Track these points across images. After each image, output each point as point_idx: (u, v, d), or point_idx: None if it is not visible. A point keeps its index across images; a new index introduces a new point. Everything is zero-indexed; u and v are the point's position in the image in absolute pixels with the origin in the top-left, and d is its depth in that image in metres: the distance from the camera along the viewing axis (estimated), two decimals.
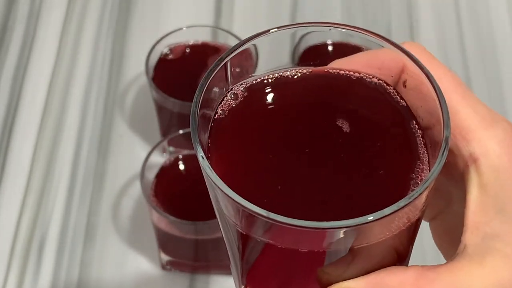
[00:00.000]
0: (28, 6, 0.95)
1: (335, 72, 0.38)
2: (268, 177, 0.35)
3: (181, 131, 0.74)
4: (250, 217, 0.33)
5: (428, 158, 0.35)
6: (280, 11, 0.95)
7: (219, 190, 0.33)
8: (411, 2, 0.96)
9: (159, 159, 0.74)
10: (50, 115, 0.86)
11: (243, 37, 0.87)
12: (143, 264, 0.76)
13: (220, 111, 0.37)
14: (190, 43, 0.81)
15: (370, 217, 0.31)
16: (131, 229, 0.78)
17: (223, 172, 0.33)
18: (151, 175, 0.72)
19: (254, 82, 0.38)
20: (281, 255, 0.35)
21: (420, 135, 0.36)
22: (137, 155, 0.81)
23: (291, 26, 0.39)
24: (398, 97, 0.37)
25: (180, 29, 0.81)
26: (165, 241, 0.73)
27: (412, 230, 0.36)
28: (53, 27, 0.93)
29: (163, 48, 0.80)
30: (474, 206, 0.36)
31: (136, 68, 0.89)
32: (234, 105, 0.38)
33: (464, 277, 0.34)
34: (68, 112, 0.86)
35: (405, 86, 0.37)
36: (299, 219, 0.31)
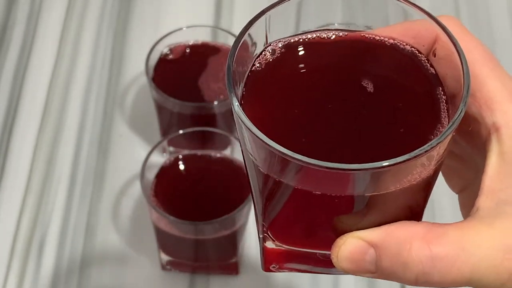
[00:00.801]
0: (28, 6, 0.95)
1: (370, 37, 0.41)
2: (296, 124, 0.37)
3: (181, 131, 0.74)
4: (273, 157, 0.34)
5: (449, 123, 0.36)
6: None
7: (248, 131, 0.35)
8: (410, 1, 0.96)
9: (159, 159, 0.74)
10: (50, 115, 0.86)
11: None
12: (143, 264, 0.76)
13: (258, 64, 0.40)
14: (190, 43, 0.81)
15: (385, 163, 0.33)
16: (131, 229, 0.78)
17: (254, 117, 0.35)
18: (151, 175, 0.72)
19: (292, 40, 0.41)
20: (301, 198, 0.37)
21: (444, 101, 0.38)
22: (137, 155, 0.82)
23: None
24: (428, 65, 0.39)
25: (180, 29, 0.81)
26: (165, 241, 0.73)
27: (425, 187, 0.37)
28: (53, 27, 0.93)
29: (163, 48, 0.80)
30: (491, 172, 0.37)
31: (136, 68, 0.89)
32: (271, 60, 0.40)
33: (472, 236, 0.36)
34: (68, 112, 0.86)
35: (435, 55, 0.39)
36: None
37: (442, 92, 0.38)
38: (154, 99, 0.79)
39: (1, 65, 0.90)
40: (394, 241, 0.36)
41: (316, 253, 0.40)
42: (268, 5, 0.41)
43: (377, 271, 0.37)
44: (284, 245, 0.41)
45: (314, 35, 0.41)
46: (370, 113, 0.38)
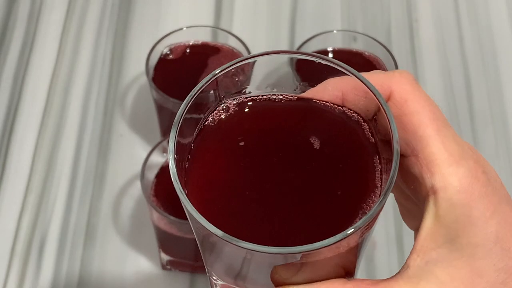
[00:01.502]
0: (28, 6, 0.95)
1: (320, 103, 0.41)
2: (237, 198, 0.39)
3: None
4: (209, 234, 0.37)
5: (380, 194, 0.38)
6: (280, 11, 0.95)
7: (188, 212, 0.37)
8: (410, 1, 0.96)
9: (159, 159, 0.74)
10: (51, 115, 0.86)
11: (243, 37, 0.87)
12: (144, 264, 0.76)
13: (210, 119, 0.41)
14: (190, 43, 0.81)
15: (304, 248, 0.35)
16: (131, 229, 0.78)
17: (198, 186, 0.38)
18: (151, 175, 0.72)
19: (244, 99, 0.42)
20: (237, 258, 0.39)
21: (379, 170, 0.39)
22: (137, 155, 0.82)
23: (285, 53, 0.43)
24: (370, 134, 0.40)
25: (180, 29, 0.81)
26: (165, 241, 0.73)
27: (355, 250, 0.38)
28: (53, 27, 0.93)
29: (163, 48, 0.80)
30: (425, 233, 0.38)
31: (136, 68, 0.89)
32: (223, 117, 0.41)
33: None
34: (68, 112, 0.86)
35: (376, 122, 0.40)
36: (255, 240, 0.35)
37: (378, 161, 0.39)
38: (154, 99, 0.79)
39: (1, 65, 0.90)
40: None
41: None
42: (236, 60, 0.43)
43: None
44: (231, 285, 0.44)
45: (265, 97, 0.42)
46: (309, 182, 0.39)
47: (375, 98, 0.39)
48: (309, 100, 0.41)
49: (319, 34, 0.80)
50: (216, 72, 0.42)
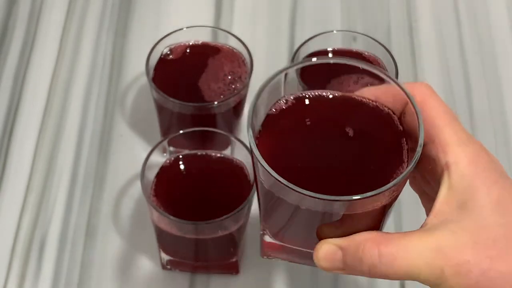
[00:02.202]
0: (29, 6, 0.95)
1: (359, 98, 0.53)
2: (296, 160, 0.51)
3: (181, 131, 0.74)
4: (276, 183, 0.47)
5: (407, 166, 0.49)
6: (280, 11, 0.96)
7: (259, 164, 0.48)
8: (410, 2, 0.97)
9: (159, 159, 0.74)
10: (51, 115, 0.86)
11: (243, 37, 0.87)
12: (144, 263, 0.76)
13: (274, 110, 0.52)
14: (190, 44, 0.81)
15: (355, 197, 0.46)
16: (132, 229, 0.78)
17: (265, 152, 0.48)
18: (151, 175, 0.73)
19: (300, 95, 0.53)
20: (293, 211, 0.49)
21: (406, 150, 0.51)
22: (137, 155, 0.82)
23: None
24: (398, 123, 0.52)
25: (180, 29, 0.81)
26: (165, 241, 0.73)
27: (384, 209, 0.50)
28: (53, 27, 0.93)
29: (163, 49, 0.80)
30: (441, 198, 0.49)
31: (137, 68, 0.89)
32: (284, 107, 0.53)
33: (413, 240, 0.48)
34: (68, 112, 0.86)
35: (405, 115, 0.52)
36: (312, 190, 0.46)
37: (405, 143, 0.51)
38: (155, 99, 0.79)
39: (2, 65, 0.90)
40: (353, 244, 0.48)
41: (302, 250, 0.53)
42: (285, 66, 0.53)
43: (344, 267, 0.49)
44: (278, 241, 0.54)
45: (317, 93, 0.54)
46: (351, 155, 0.51)
47: (407, 98, 0.51)
48: (351, 96, 0.53)
49: (319, 34, 0.80)
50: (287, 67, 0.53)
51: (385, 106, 0.53)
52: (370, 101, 0.53)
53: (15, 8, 0.95)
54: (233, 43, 0.81)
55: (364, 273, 0.49)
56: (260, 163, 0.47)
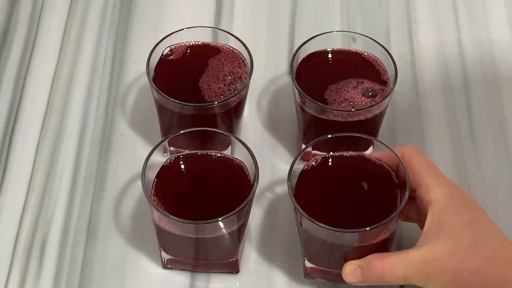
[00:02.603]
0: (30, 8, 0.95)
1: (369, 157, 0.74)
2: (327, 207, 0.72)
3: (181, 131, 0.74)
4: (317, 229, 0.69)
5: (399, 205, 0.70)
6: (280, 12, 0.96)
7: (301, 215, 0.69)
8: (409, 2, 0.97)
9: (160, 159, 0.74)
10: (52, 116, 0.86)
11: (243, 38, 0.88)
12: (144, 263, 0.76)
13: (307, 166, 0.75)
14: (191, 44, 0.82)
15: (367, 228, 0.68)
16: (132, 228, 0.78)
17: (303, 201, 0.70)
18: (152, 174, 0.73)
19: (326, 155, 0.76)
20: (325, 244, 0.70)
21: (398, 194, 0.71)
22: (138, 154, 0.82)
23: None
24: (394, 176, 0.72)
25: (181, 30, 0.81)
26: (166, 240, 0.73)
27: (386, 240, 0.70)
28: (54, 28, 0.93)
29: (163, 49, 0.81)
30: (427, 225, 0.68)
31: (137, 69, 0.89)
32: (314, 165, 0.75)
33: (406, 255, 0.67)
34: (69, 112, 0.86)
35: (398, 170, 0.72)
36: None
37: (398, 191, 0.71)
38: (155, 99, 0.79)
39: (3, 66, 0.90)
40: (366, 262, 0.68)
41: (334, 271, 0.72)
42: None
43: (363, 279, 0.69)
44: (315, 265, 0.74)
45: (339, 153, 0.74)
46: (362, 201, 0.71)
47: (397, 159, 0.71)
48: (364, 155, 0.74)
49: (319, 34, 0.80)
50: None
51: (386, 164, 0.72)
52: (377, 160, 0.73)
53: (16, 9, 0.95)
54: (233, 43, 0.81)
55: (376, 282, 0.68)
56: (301, 213, 0.68)
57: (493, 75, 0.90)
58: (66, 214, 0.79)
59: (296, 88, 0.77)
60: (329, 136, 0.73)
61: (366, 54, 0.80)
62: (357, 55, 0.80)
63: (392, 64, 0.78)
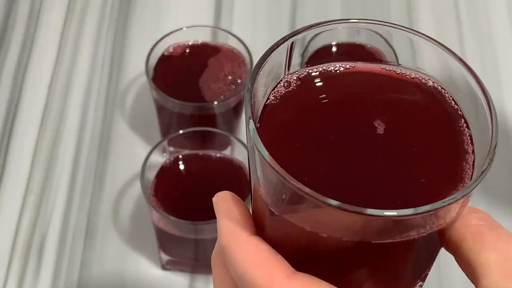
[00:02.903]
0: (28, 6, 0.95)
1: (390, 69, 0.40)
2: (312, 164, 0.37)
3: (181, 131, 0.74)
4: (299, 197, 0.34)
5: (473, 160, 0.37)
6: (280, 11, 0.95)
7: (272, 170, 0.34)
8: (410, 2, 0.96)
9: (159, 159, 0.74)
10: (50, 115, 0.86)
11: (243, 37, 0.87)
12: (143, 263, 0.76)
13: (272, 97, 0.39)
14: (190, 43, 0.81)
15: (419, 209, 0.33)
16: (131, 229, 0.78)
17: (272, 153, 0.35)
18: (151, 175, 0.72)
19: (308, 72, 0.40)
20: (308, 241, 0.36)
21: (468, 136, 0.38)
22: (137, 155, 0.82)
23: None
24: (452, 101, 0.39)
25: (180, 29, 0.81)
26: (165, 241, 0.73)
27: (431, 241, 0.37)
28: (53, 27, 0.93)
29: (163, 48, 0.80)
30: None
31: (136, 68, 0.89)
32: (286, 93, 0.39)
33: None
34: (68, 112, 0.86)
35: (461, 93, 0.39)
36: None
37: (465, 124, 0.38)
38: (154, 99, 0.79)
39: (1, 65, 0.90)
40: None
41: None
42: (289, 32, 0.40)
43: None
44: None
45: (332, 67, 0.40)
46: (387, 157, 0.37)
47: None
48: (379, 68, 0.41)
49: (319, 34, 0.80)
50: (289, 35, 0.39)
51: (429, 79, 0.39)
52: (407, 73, 0.40)
53: (15, 8, 0.94)
54: (233, 43, 0.81)
55: None
56: (270, 164, 0.34)
57: (494, 73, 0.90)
58: (64, 215, 0.79)
59: None
60: None
61: (369, 46, 0.80)
62: (360, 47, 0.79)
63: (394, 56, 0.77)
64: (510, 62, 0.91)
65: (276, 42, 0.39)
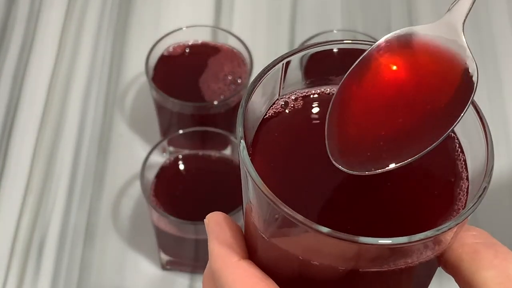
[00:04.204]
0: (28, 6, 0.95)
1: None
2: (304, 190, 0.36)
3: (181, 131, 0.74)
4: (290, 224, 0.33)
5: (467, 187, 0.36)
6: (280, 11, 0.95)
7: (264, 195, 0.33)
8: (410, 1, 0.96)
9: (159, 159, 0.74)
10: (50, 115, 0.86)
11: (243, 37, 0.87)
12: (143, 264, 0.76)
13: (267, 118, 0.38)
14: (190, 43, 0.81)
15: (412, 238, 0.32)
16: (131, 229, 0.78)
17: (264, 175, 0.34)
18: (151, 175, 0.72)
19: (302, 94, 0.39)
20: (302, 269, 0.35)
21: (462, 162, 0.37)
22: (137, 155, 0.81)
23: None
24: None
25: (180, 29, 0.81)
26: (165, 241, 0.73)
27: (426, 269, 0.37)
28: (53, 27, 0.93)
29: (163, 48, 0.80)
30: None
31: (136, 68, 0.89)
32: (281, 114, 0.38)
33: None
34: (68, 112, 0.86)
35: None
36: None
37: (461, 154, 0.37)
38: (154, 99, 0.79)
39: (1, 64, 0.90)
40: None
41: None
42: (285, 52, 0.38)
43: None
44: None
45: (329, 89, 0.39)
46: (380, 183, 0.36)
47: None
48: None
49: (319, 34, 0.80)
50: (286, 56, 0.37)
51: None
52: None
53: (14, 8, 0.94)
54: (233, 43, 0.81)
55: None
56: (264, 192, 0.33)
57: (495, 74, 0.89)
58: (64, 215, 0.79)
59: None
60: None
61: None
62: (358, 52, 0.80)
63: None
64: (511, 62, 0.91)
65: (271, 62, 0.37)
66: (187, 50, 0.81)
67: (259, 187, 0.33)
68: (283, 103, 0.38)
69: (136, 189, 0.79)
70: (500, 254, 0.36)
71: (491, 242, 0.37)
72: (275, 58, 0.38)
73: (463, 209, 0.35)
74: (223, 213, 0.39)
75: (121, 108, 0.87)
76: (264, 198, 0.33)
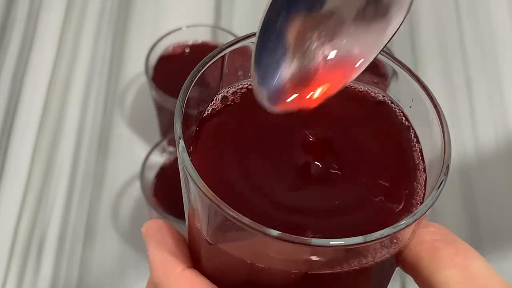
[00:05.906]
0: (27, 6, 0.94)
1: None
2: (247, 187, 0.33)
3: None
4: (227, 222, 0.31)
5: (425, 180, 0.34)
6: None
7: (206, 197, 0.31)
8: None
9: (158, 159, 0.74)
10: (50, 115, 0.86)
11: None
12: (143, 264, 0.76)
13: (207, 115, 0.36)
14: (190, 43, 0.81)
15: (366, 238, 0.30)
16: (131, 229, 0.78)
17: (206, 176, 0.32)
18: (150, 175, 0.72)
19: (245, 87, 0.37)
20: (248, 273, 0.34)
21: (418, 153, 0.35)
22: (136, 155, 0.81)
23: None
24: (402, 115, 0.37)
25: (180, 28, 0.81)
26: None
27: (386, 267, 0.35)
28: (52, 27, 0.93)
29: (162, 48, 0.80)
30: None
31: (136, 68, 0.89)
32: (222, 109, 0.36)
33: None
34: (67, 111, 0.86)
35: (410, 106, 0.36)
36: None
37: (416, 145, 0.35)
38: (154, 98, 0.79)
39: (0, 64, 0.89)
40: None
41: None
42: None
43: None
44: None
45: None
46: (333, 180, 0.34)
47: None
48: None
49: None
50: (224, 47, 0.35)
51: (378, 92, 0.38)
52: (355, 86, 0.37)
53: (14, 8, 0.94)
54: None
55: None
56: (202, 190, 0.31)
57: (495, 73, 0.89)
58: (64, 215, 0.78)
59: None
60: None
61: None
62: None
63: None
64: (511, 61, 0.91)
65: (209, 55, 0.36)
66: (187, 50, 0.81)
67: (200, 189, 0.31)
68: (221, 98, 0.36)
69: (135, 189, 0.79)
70: (461, 251, 0.34)
71: (451, 238, 0.35)
72: None
73: (421, 204, 0.33)
74: (162, 220, 0.36)
75: (121, 108, 0.87)
76: (206, 201, 0.31)
